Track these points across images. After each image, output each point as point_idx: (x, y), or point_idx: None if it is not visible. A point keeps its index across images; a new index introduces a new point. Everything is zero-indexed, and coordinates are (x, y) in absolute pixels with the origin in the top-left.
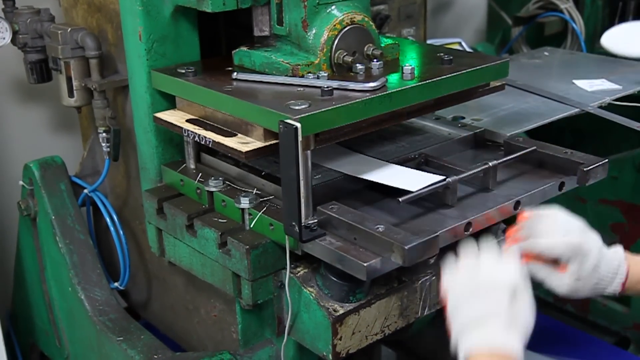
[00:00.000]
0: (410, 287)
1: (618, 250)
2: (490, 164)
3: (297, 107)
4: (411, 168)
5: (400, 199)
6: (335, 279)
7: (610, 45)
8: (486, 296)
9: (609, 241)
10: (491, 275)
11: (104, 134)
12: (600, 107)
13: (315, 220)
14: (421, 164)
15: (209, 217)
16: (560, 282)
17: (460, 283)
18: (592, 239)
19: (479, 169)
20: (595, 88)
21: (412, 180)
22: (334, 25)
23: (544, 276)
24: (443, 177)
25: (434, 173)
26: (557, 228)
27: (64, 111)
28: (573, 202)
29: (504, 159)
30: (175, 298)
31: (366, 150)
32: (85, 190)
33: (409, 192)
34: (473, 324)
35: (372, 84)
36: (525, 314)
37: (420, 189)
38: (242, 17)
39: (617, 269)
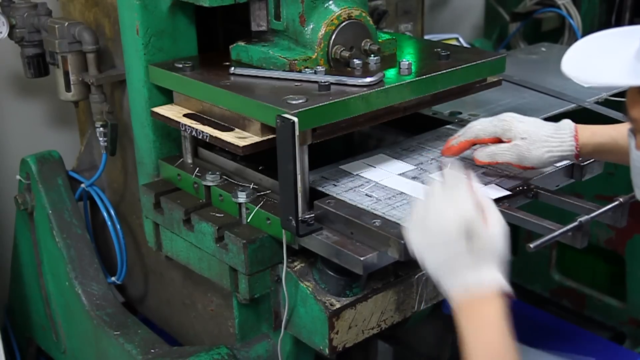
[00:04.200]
0: (406, 282)
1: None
2: None
3: (294, 102)
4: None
5: None
6: (332, 273)
7: (575, 73)
8: (441, 243)
9: (605, 236)
10: (438, 219)
11: (101, 129)
12: (597, 102)
13: (312, 215)
14: None
15: (206, 211)
16: (504, 149)
17: (415, 233)
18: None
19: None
20: None
21: None
22: (332, 21)
23: (493, 151)
24: None
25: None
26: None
27: (61, 105)
28: None
29: None
30: (172, 292)
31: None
32: (83, 185)
33: None
34: (441, 270)
35: (369, 79)
36: (489, 244)
37: None
38: (240, 11)
39: (564, 126)
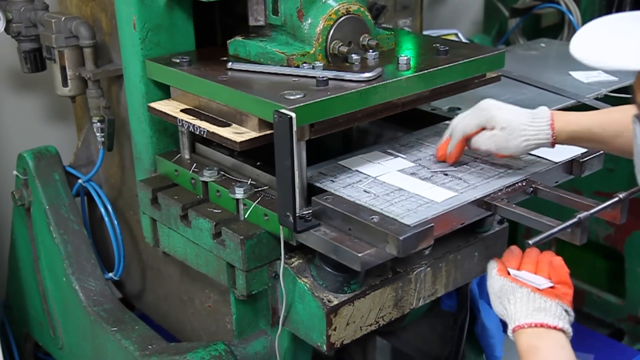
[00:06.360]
0: (404, 278)
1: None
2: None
3: (292, 97)
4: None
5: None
6: (329, 270)
7: (583, 55)
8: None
9: (604, 233)
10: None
11: (98, 124)
12: (597, 98)
13: (310, 211)
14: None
15: (203, 207)
16: (484, 139)
17: None
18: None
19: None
20: (591, 79)
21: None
22: (330, 15)
23: (476, 141)
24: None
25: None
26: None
27: (58, 101)
28: None
29: None
30: (170, 288)
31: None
32: (80, 181)
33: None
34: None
35: (367, 74)
36: (513, 308)
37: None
38: (238, 6)
39: (540, 114)
